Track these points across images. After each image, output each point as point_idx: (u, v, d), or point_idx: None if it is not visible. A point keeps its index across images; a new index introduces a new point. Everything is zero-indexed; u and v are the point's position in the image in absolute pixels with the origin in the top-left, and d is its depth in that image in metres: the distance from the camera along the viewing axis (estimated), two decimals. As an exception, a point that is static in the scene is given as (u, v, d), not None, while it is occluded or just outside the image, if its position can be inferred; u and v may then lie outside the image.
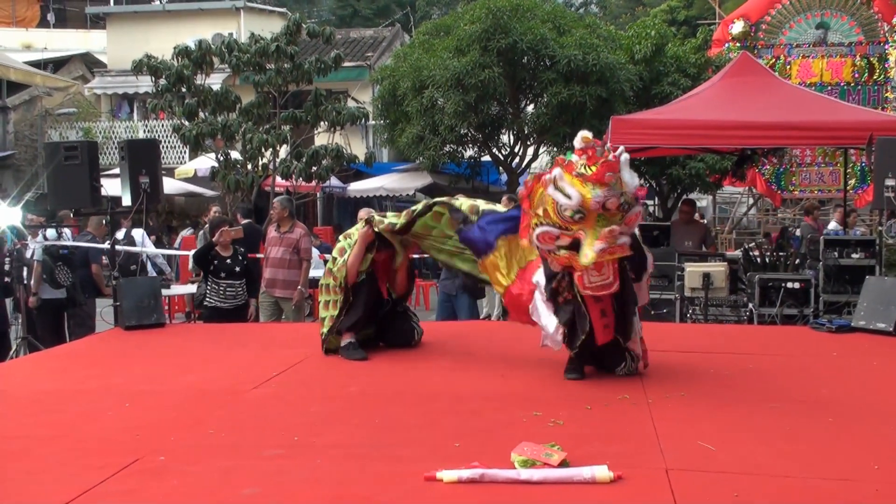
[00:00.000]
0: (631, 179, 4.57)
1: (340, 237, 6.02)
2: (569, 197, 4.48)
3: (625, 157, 4.56)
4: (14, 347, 7.82)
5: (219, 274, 7.60)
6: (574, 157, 4.59)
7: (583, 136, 4.61)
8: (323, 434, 3.88)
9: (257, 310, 8.21)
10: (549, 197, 4.57)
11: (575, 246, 4.57)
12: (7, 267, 8.09)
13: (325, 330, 5.75)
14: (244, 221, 9.40)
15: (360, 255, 5.66)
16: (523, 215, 4.92)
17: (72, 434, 3.98)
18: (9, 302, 8.27)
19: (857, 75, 16.92)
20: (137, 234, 9.43)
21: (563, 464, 3.28)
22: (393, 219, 5.75)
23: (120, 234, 9.46)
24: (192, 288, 9.72)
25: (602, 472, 3.19)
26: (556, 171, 4.59)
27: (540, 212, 4.67)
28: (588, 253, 4.47)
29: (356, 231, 5.81)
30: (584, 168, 4.48)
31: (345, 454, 3.58)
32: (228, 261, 7.62)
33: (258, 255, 9.05)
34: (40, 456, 3.64)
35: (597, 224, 4.48)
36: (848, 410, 4.26)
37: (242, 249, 7.89)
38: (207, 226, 9.79)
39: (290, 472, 3.36)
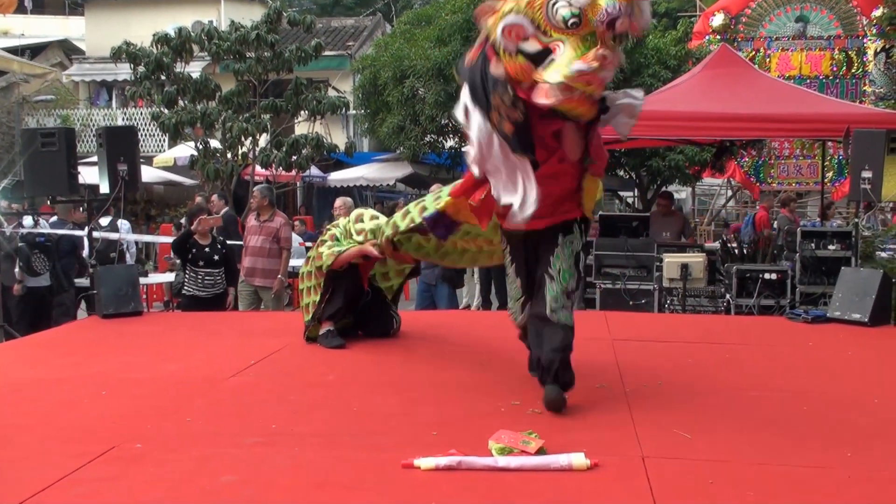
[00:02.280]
0: (646, 7, 3.58)
1: (329, 225, 6.00)
2: None
3: None
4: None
5: (197, 262, 7.56)
6: None
7: None
8: (301, 422, 3.88)
9: (236, 298, 8.18)
10: None
11: (539, 60, 3.62)
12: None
13: (308, 317, 5.74)
14: (225, 209, 9.34)
15: (355, 257, 5.61)
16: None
17: (49, 422, 3.95)
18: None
19: (835, 69, 17.04)
20: (123, 225, 9.39)
21: (541, 451, 3.30)
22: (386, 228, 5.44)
23: (104, 222, 9.41)
24: (170, 276, 9.66)
25: (579, 459, 3.21)
26: None
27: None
28: (560, 70, 3.50)
29: (345, 222, 5.75)
30: None
31: (323, 442, 3.58)
32: (207, 249, 7.58)
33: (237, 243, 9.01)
34: (17, 444, 3.61)
35: (582, 43, 3.52)
36: (822, 399, 4.32)
37: (221, 238, 7.85)
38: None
39: (268, 460, 3.35)
